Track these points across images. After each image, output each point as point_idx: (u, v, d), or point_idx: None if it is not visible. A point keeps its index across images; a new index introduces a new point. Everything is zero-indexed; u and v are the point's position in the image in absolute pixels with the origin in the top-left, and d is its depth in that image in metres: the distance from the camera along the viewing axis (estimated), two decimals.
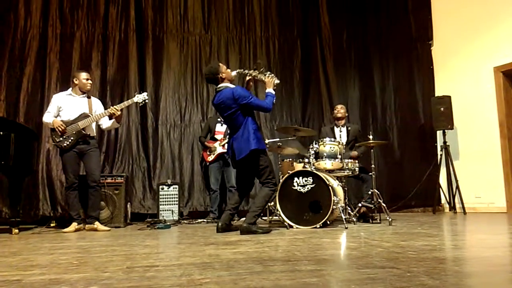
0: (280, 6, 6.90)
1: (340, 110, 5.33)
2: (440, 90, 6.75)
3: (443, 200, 6.47)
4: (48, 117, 4.45)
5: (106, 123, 4.67)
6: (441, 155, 6.36)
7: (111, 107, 4.54)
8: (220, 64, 3.93)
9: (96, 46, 6.13)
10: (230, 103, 3.72)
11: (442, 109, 6.23)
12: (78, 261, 2.22)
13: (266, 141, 5.09)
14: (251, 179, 4.01)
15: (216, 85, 3.87)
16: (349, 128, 5.28)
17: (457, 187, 6.11)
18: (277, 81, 3.94)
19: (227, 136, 5.54)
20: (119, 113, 4.48)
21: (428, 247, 2.42)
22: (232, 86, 3.84)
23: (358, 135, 5.31)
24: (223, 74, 3.83)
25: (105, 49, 6.17)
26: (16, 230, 4.15)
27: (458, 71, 6.59)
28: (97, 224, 4.41)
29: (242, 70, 4.01)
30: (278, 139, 5.38)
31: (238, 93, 3.72)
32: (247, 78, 4.00)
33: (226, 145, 5.56)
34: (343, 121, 5.32)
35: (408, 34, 7.08)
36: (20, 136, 4.34)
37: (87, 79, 4.58)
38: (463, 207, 6.00)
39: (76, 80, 4.56)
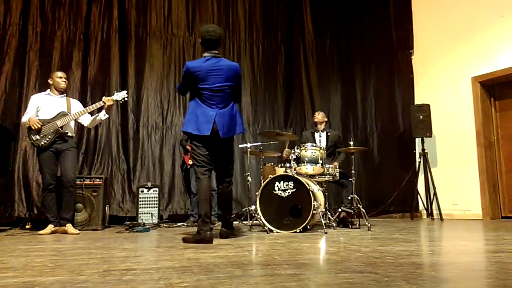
0: (264, 11, 6.94)
1: (317, 116, 5.42)
2: (419, 99, 6.87)
3: (420, 207, 6.58)
4: (25, 118, 4.39)
5: (87, 119, 4.61)
6: (419, 162, 6.47)
7: (104, 97, 4.49)
8: None
9: (77, 45, 6.03)
10: (232, 77, 3.47)
11: (421, 117, 6.34)
12: (53, 264, 2.16)
13: (248, 145, 5.10)
14: (225, 164, 3.63)
15: (213, 49, 3.49)
16: (328, 134, 5.34)
17: (435, 193, 6.23)
18: None
19: None
20: (111, 102, 4.45)
21: (405, 253, 2.46)
22: None
23: (338, 141, 5.36)
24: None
25: (87, 48, 6.08)
26: None
27: (438, 80, 6.73)
28: (68, 227, 4.29)
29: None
30: (260, 143, 5.39)
31: (240, 72, 3.59)
32: None
33: None
34: (322, 126, 5.38)
35: (389, 43, 7.20)
36: None
37: (61, 77, 4.54)
38: (440, 214, 6.11)
39: (50, 80, 4.55)
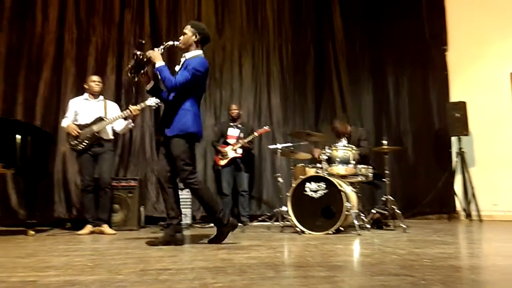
0: (293, 11, 6.91)
1: (339, 127, 5.08)
2: (455, 96, 6.66)
3: (458, 208, 6.37)
4: (65, 122, 4.62)
5: (119, 126, 4.73)
6: (456, 161, 6.27)
7: (130, 106, 4.57)
8: None
9: (111, 51, 6.21)
10: None
11: (457, 115, 6.14)
12: (92, 263, 2.24)
13: (279, 145, 5.08)
14: None
15: (202, 49, 3.46)
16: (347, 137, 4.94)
17: (473, 194, 6.02)
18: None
19: (239, 140, 5.59)
20: (137, 112, 4.51)
21: (443, 255, 2.39)
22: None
23: (360, 138, 5.07)
24: None
25: (120, 54, 6.24)
26: (32, 232, 4.21)
27: (474, 76, 6.50)
28: (104, 227, 4.45)
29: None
30: (290, 144, 5.38)
31: None
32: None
33: (238, 149, 5.59)
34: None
35: (422, 39, 7.00)
36: (37, 139, 4.42)
37: (94, 81, 4.72)
38: (479, 215, 5.90)
39: (86, 85, 4.75)
